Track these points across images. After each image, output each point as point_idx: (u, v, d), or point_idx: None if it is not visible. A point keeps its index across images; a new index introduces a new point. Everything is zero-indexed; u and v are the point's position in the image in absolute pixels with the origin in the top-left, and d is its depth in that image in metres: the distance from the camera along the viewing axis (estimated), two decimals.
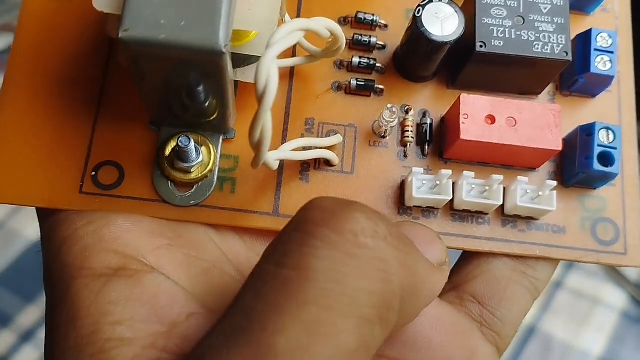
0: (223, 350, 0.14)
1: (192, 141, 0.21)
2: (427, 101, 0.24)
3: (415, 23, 0.22)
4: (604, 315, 0.62)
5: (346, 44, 0.24)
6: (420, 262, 0.18)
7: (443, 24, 0.22)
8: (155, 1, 0.17)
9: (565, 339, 0.61)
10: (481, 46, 0.22)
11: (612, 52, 0.23)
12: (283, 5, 0.22)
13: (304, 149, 0.22)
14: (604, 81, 0.23)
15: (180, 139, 0.21)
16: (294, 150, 0.22)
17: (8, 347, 0.58)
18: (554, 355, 0.60)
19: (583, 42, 0.24)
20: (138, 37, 0.17)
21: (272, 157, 0.20)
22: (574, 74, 0.24)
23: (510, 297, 0.23)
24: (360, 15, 0.24)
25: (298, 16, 0.25)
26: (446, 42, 0.22)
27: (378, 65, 0.24)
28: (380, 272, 0.15)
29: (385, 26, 0.25)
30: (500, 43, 0.22)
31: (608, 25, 0.26)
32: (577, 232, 0.23)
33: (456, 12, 0.22)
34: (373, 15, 0.25)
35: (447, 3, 0.22)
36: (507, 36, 0.22)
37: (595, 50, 0.23)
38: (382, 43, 0.24)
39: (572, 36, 0.24)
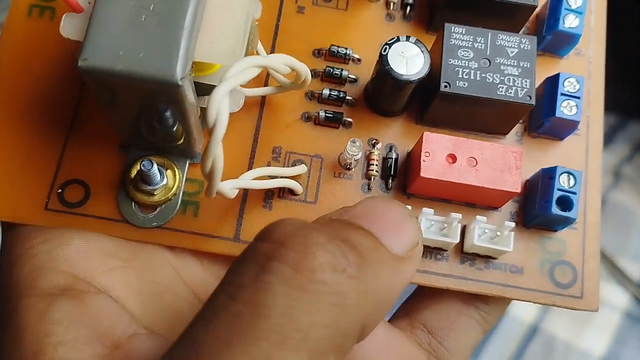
0: None
1: (155, 165, 0.22)
2: (394, 136, 0.24)
3: (381, 61, 0.22)
4: (606, 315, 0.62)
5: (318, 76, 0.25)
6: (383, 272, 0.17)
7: (408, 63, 0.22)
8: (116, 32, 0.18)
9: (568, 338, 0.61)
10: (445, 86, 0.22)
11: (578, 98, 0.23)
12: (255, 37, 0.23)
13: (270, 177, 0.23)
14: (569, 125, 0.24)
15: (143, 162, 0.21)
16: (256, 178, 0.22)
17: None
18: (557, 355, 0.60)
19: (551, 86, 0.24)
20: (96, 67, 0.17)
21: (229, 186, 0.20)
22: (541, 117, 0.24)
23: (459, 329, 0.23)
24: (334, 49, 0.25)
25: (273, 46, 0.25)
26: (410, 81, 0.22)
27: (348, 97, 0.25)
28: (336, 306, 0.15)
29: (359, 60, 0.25)
30: (464, 84, 0.22)
31: (581, 69, 0.26)
32: (535, 274, 0.23)
33: (422, 52, 0.22)
34: (346, 48, 0.25)
35: (414, 43, 0.23)
36: (472, 78, 0.22)
37: (562, 94, 0.23)
38: (353, 76, 0.25)
39: (542, 79, 0.25)
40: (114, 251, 0.22)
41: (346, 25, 0.26)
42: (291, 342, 0.14)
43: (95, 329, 0.19)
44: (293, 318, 0.14)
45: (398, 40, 0.22)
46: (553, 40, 0.25)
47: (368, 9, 0.26)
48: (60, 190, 0.23)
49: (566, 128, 0.24)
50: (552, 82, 0.24)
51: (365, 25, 0.26)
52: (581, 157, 0.25)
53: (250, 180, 0.22)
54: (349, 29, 0.26)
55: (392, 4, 0.26)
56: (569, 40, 0.25)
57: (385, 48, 0.22)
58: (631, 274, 0.64)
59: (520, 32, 0.25)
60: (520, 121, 0.25)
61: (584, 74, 0.26)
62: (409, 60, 0.22)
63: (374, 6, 0.26)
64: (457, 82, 0.22)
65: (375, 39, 0.26)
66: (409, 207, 0.22)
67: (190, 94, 0.19)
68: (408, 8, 0.26)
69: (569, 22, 0.24)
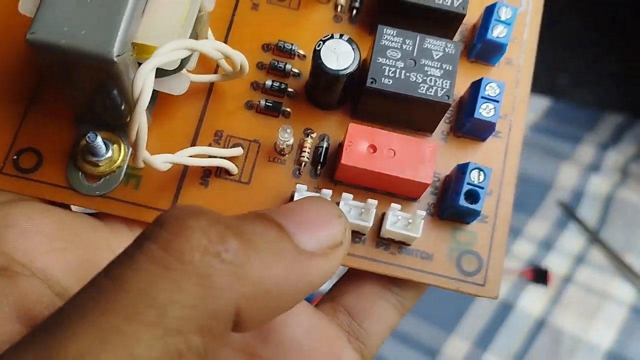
0: (19, 352, 0.14)
1: (100, 138, 0.24)
2: (329, 127, 0.27)
3: (315, 56, 0.24)
4: (613, 310, 0.63)
5: (265, 68, 0.27)
6: (277, 263, 0.17)
7: (339, 59, 0.24)
8: (64, 9, 0.20)
9: (575, 332, 0.62)
10: (371, 82, 0.24)
11: (497, 101, 0.25)
12: (204, 26, 0.25)
13: (209, 156, 0.25)
14: (487, 126, 0.26)
15: (88, 135, 0.23)
16: (192, 156, 0.24)
17: None
18: (564, 349, 0.61)
19: (474, 90, 0.26)
20: (41, 40, 0.20)
21: (161, 159, 0.22)
22: (464, 118, 0.26)
23: (377, 312, 0.25)
24: (281, 44, 0.27)
25: (226, 38, 0.27)
26: (339, 75, 0.24)
27: (290, 90, 0.27)
28: (200, 287, 0.15)
29: (304, 56, 0.27)
30: (389, 81, 0.24)
31: (509, 77, 0.28)
32: (443, 261, 0.25)
33: (353, 49, 0.25)
34: (292, 44, 0.27)
35: (346, 41, 0.25)
36: (397, 76, 0.24)
37: (482, 97, 0.25)
38: (297, 70, 0.27)
39: (468, 84, 0.27)
40: (56, 233, 0.23)
41: (296, 23, 0.28)
42: (143, 317, 0.14)
43: (19, 308, 0.20)
44: (150, 294, 0.14)
45: (332, 37, 0.25)
46: (483, 48, 0.27)
47: (318, 10, 0.28)
48: (15, 157, 0.25)
49: (485, 129, 0.26)
50: (476, 86, 0.26)
51: (314, 25, 0.28)
52: (500, 157, 0.27)
53: (185, 157, 0.24)
54: (298, 27, 0.28)
55: (340, 7, 0.28)
56: (497, 49, 0.27)
57: (320, 44, 0.24)
58: (638, 269, 0.65)
59: (454, 39, 0.27)
60: (447, 121, 0.27)
61: (512, 82, 0.28)
62: (340, 57, 0.24)
63: (324, 7, 0.28)
64: (383, 79, 0.24)
65: (320, 37, 0.28)
66: (329, 191, 0.24)
67: (130, 73, 0.21)
68: (354, 11, 0.28)
69: (497, 32, 0.26)
